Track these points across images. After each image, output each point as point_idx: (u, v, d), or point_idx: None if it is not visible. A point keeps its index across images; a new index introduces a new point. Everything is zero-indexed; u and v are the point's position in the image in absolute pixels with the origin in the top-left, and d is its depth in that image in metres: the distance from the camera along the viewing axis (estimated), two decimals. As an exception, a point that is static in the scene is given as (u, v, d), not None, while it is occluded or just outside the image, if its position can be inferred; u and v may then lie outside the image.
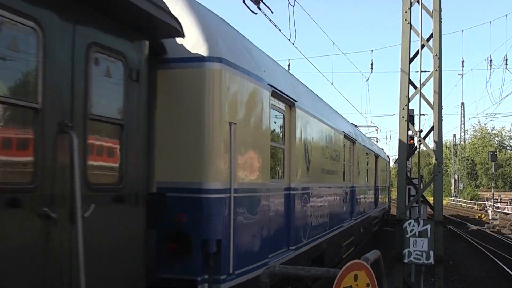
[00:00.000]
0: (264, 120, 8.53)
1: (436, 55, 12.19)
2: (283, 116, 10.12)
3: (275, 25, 12.83)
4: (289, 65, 39.39)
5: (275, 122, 9.60)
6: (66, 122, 4.67)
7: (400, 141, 12.52)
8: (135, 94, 5.80)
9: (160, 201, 6.36)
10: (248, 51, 8.63)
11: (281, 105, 9.99)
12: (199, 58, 6.87)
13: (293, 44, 17.32)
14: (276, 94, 9.33)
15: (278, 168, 10.10)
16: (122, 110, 5.61)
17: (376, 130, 46.92)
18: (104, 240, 5.22)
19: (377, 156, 27.92)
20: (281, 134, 10.13)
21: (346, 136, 17.22)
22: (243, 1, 10.29)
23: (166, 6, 5.99)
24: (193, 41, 6.87)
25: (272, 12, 11.70)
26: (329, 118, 14.60)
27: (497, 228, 39.49)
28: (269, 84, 8.88)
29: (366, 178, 22.78)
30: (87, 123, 5.02)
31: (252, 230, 8.00)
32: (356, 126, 24.77)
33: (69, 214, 4.69)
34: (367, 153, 23.37)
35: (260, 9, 10.93)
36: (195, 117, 6.82)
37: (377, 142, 42.53)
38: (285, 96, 9.91)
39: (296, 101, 10.55)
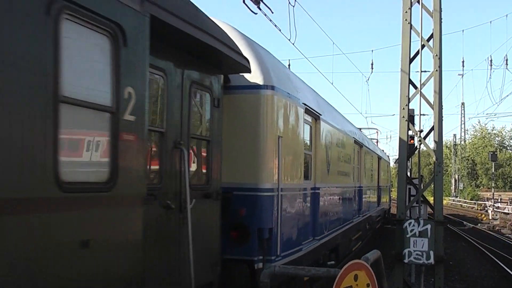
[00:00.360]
0: (300, 132, 10.94)
1: (437, 55, 12.20)
2: (310, 127, 12.40)
3: (275, 25, 12.88)
4: (289, 65, 39.39)
5: (305, 133, 11.79)
6: (178, 141, 6.82)
7: (400, 141, 12.52)
8: (216, 116, 8.08)
9: (228, 198, 8.24)
10: (288, 77, 10.83)
11: (310, 119, 12.28)
12: (256, 86, 9.07)
13: (293, 44, 17.36)
14: (307, 110, 11.67)
15: (307, 171, 12.04)
16: (209, 129, 7.94)
17: (377, 132, 47.50)
18: (200, 225, 7.30)
19: (379, 158, 30.16)
20: (309, 142, 12.40)
21: (356, 141, 19.47)
22: (243, 1, 10.34)
23: (240, 50, 8.12)
24: (251, 73, 8.86)
25: (272, 12, 11.77)
26: (343, 126, 17.06)
27: (497, 228, 39.55)
28: (303, 103, 11.16)
29: (370, 178, 25.11)
30: (189, 141, 7.27)
31: (292, 222, 10.26)
32: (360, 129, 25.77)
33: (179, 206, 6.77)
34: (371, 156, 25.93)
35: (260, 9, 10.99)
36: (253, 132, 8.97)
37: (377, 143, 42.93)
38: (314, 111, 12.28)
39: (320, 115, 12.85)
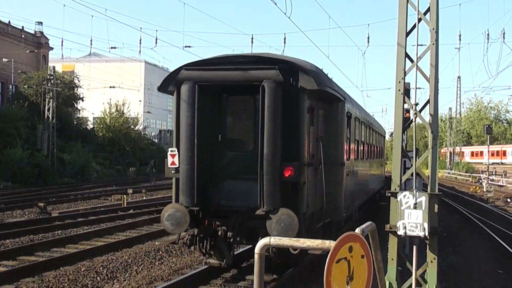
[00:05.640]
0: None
1: (433, 28, 12.15)
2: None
3: (271, -2, 12.76)
4: (285, 38, 39.19)
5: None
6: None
7: (396, 114, 12.55)
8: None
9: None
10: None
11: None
12: None
13: (289, 17, 17.20)
14: None
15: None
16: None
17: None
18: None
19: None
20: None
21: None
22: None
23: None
24: None
25: (268, -15, 11.63)
26: None
27: (491, 200, 39.78)
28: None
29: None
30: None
31: None
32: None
33: None
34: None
35: (256, -19, 10.86)
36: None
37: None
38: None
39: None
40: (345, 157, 14.90)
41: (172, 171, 12.67)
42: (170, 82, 12.93)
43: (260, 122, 11.81)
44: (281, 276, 13.76)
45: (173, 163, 12.62)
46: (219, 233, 12.72)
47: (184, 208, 12.23)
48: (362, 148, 19.59)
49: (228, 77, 12.32)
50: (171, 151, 12.73)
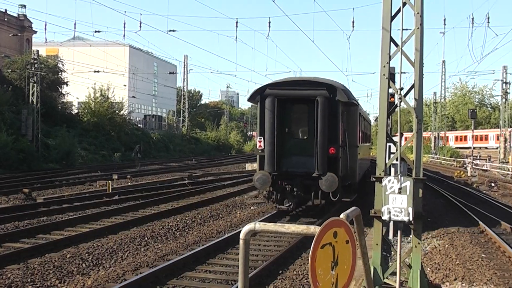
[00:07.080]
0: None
1: (418, 13, 12.11)
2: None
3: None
4: (269, 22, 38.98)
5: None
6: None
7: (380, 99, 12.55)
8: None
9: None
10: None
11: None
12: None
13: (273, 1, 17.12)
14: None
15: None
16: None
17: None
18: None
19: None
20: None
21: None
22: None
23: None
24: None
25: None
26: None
27: (475, 184, 40.06)
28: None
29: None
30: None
31: None
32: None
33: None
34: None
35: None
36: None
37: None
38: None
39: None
40: (357, 142, 22.60)
41: (259, 151, 20.57)
42: (257, 95, 20.47)
43: (315, 121, 19.48)
44: (265, 260, 13.83)
45: (260, 146, 20.45)
46: (287, 189, 20.16)
47: (268, 173, 19.81)
48: (362, 135, 26.88)
49: (297, 94, 20.19)
50: (259, 138, 20.48)
